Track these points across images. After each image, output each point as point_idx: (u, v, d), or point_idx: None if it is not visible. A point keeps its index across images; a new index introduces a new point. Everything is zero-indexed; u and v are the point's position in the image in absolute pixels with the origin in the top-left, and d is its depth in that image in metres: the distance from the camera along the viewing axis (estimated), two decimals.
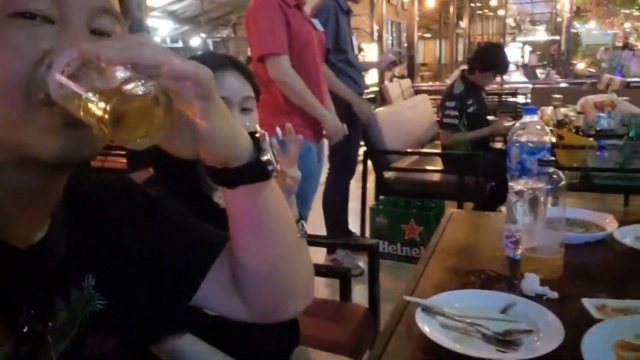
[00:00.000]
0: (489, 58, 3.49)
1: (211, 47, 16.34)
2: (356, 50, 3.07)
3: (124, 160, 3.22)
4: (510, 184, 1.25)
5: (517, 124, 1.29)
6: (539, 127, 1.26)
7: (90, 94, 0.44)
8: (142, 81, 0.45)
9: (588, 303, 0.99)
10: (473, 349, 0.87)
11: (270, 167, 0.61)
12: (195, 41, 15.86)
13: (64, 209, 0.63)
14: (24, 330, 0.57)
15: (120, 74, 0.45)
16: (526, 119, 1.26)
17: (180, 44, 14.21)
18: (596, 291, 1.07)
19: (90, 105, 0.44)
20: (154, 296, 0.72)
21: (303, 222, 1.08)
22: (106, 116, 0.43)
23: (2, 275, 0.55)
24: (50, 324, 0.60)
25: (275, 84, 2.17)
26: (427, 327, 0.93)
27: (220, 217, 1.16)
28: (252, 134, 0.61)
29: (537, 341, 0.89)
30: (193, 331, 1.03)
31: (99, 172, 0.74)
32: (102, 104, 0.43)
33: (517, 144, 1.26)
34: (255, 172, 0.60)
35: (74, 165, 0.57)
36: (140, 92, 0.44)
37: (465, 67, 3.81)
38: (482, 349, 0.88)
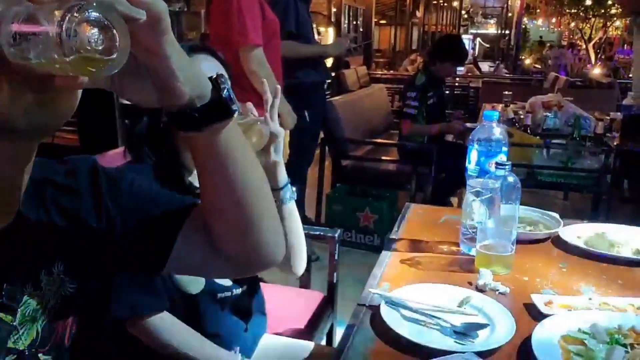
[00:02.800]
0: (446, 48, 3.59)
1: None
2: (316, 37, 3.07)
3: (75, 137, 3.13)
4: (468, 183, 1.31)
5: (478, 127, 1.36)
6: (497, 130, 1.33)
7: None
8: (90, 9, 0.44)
9: (536, 298, 1.07)
10: (432, 340, 0.93)
11: (233, 106, 0.61)
12: None
13: (31, 197, 0.63)
14: None
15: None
16: (485, 123, 1.33)
17: None
18: (543, 287, 1.15)
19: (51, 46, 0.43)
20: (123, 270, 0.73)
21: (291, 186, 1.11)
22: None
23: None
24: (19, 311, 0.61)
25: (245, 75, 2.13)
26: (391, 319, 0.98)
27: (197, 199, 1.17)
28: (210, 77, 0.61)
29: (491, 334, 0.96)
30: (171, 311, 1.05)
31: (50, 149, 0.72)
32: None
33: (476, 146, 1.33)
34: (220, 110, 0.60)
35: (40, 133, 0.55)
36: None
37: (416, 54, 3.90)
38: (441, 340, 0.94)
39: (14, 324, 0.61)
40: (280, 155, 1.14)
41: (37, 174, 0.64)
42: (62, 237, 0.66)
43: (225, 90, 0.61)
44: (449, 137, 4.01)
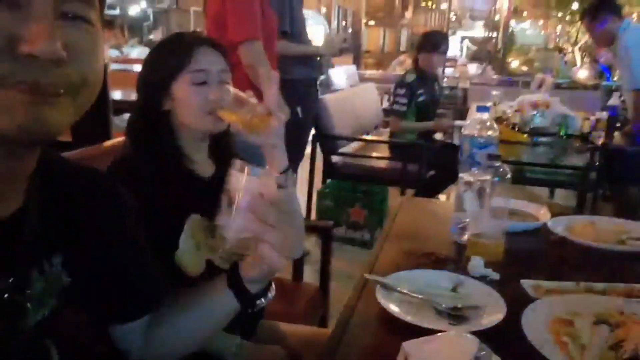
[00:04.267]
0: (430, 39, 3.65)
1: (151, 18, 15.71)
2: (309, 36, 3.09)
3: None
4: (460, 174, 1.35)
5: (470, 120, 1.40)
6: (489, 124, 1.37)
7: None
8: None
9: (526, 284, 1.11)
10: (428, 321, 0.96)
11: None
12: (135, 9, 15.18)
13: (39, 185, 0.65)
14: (5, 297, 0.59)
15: None
16: (478, 116, 1.37)
17: (117, 11, 13.57)
18: (532, 273, 1.19)
19: None
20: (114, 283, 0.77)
21: (291, 171, 1.15)
22: None
23: None
24: (28, 291, 0.62)
25: (242, 69, 2.15)
26: (387, 302, 1.02)
27: (199, 187, 1.20)
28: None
29: (483, 316, 0.99)
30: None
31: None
32: None
33: (469, 139, 1.37)
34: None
35: (39, 142, 0.58)
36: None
37: (405, 55, 3.97)
38: (436, 321, 0.97)
39: (26, 304, 0.62)
40: (282, 141, 1.16)
41: (49, 166, 0.67)
42: (63, 232, 0.69)
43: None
44: (439, 135, 4.06)
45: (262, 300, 0.80)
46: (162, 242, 1.07)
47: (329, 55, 3.07)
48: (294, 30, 2.85)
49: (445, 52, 3.85)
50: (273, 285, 0.83)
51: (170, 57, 1.17)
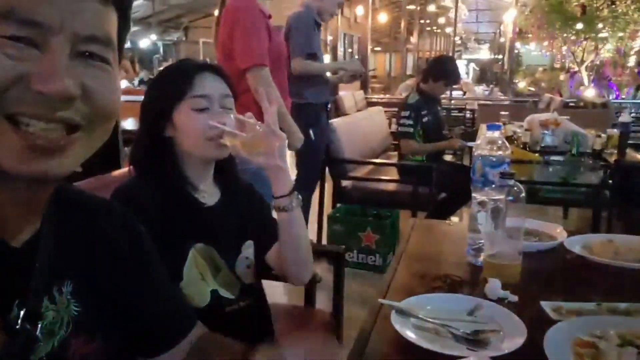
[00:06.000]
0: (440, 68, 3.64)
1: (161, 50, 16.01)
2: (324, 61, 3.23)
3: None
4: (473, 194, 1.33)
5: (482, 139, 1.38)
6: (500, 142, 1.35)
7: None
8: None
9: (545, 305, 1.08)
10: (445, 347, 0.93)
11: None
12: (145, 42, 15.50)
13: (52, 214, 0.65)
14: (17, 327, 0.58)
15: None
16: (489, 134, 1.35)
17: (128, 44, 13.88)
18: (551, 294, 1.16)
19: None
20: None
21: (296, 193, 1.16)
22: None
23: None
24: (40, 323, 0.61)
25: (250, 95, 2.17)
26: (402, 328, 0.98)
27: (203, 215, 1.19)
28: None
29: (503, 340, 0.96)
30: None
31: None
32: None
33: (481, 158, 1.35)
34: None
35: (47, 182, 0.59)
36: None
37: (412, 79, 3.99)
38: (453, 347, 0.94)
39: (37, 334, 0.61)
40: (284, 161, 1.15)
41: (64, 194, 0.67)
42: (75, 261, 0.69)
43: None
44: (448, 157, 4.04)
45: None
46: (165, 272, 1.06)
47: (353, 71, 3.17)
48: (319, 53, 3.06)
49: (455, 83, 3.84)
50: None
51: (171, 84, 1.17)
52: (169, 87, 1.17)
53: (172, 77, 1.19)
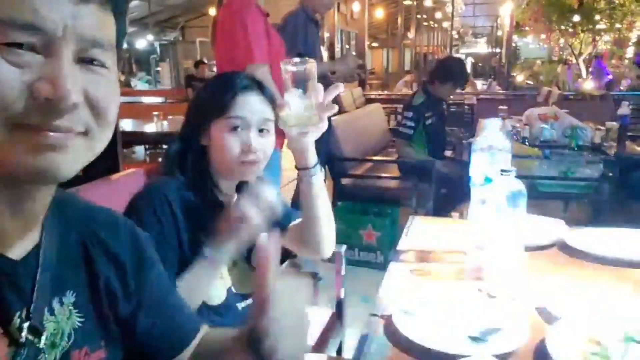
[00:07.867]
0: (448, 70, 3.59)
1: (158, 50, 16.00)
2: (323, 60, 3.14)
3: None
4: (473, 190, 1.33)
5: (481, 134, 1.37)
6: (499, 136, 1.34)
7: None
8: None
9: (547, 302, 1.07)
10: (448, 346, 0.92)
11: None
12: (141, 43, 15.49)
13: (53, 225, 0.65)
14: (21, 340, 0.58)
15: None
16: (489, 129, 1.35)
17: (125, 45, 13.83)
18: (553, 291, 1.15)
19: None
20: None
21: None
22: None
23: None
24: (43, 334, 0.61)
25: None
26: (404, 327, 0.98)
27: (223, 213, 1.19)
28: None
29: (506, 338, 0.96)
30: None
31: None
32: None
33: (480, 152, 1.34)
34: None
35: (49, 184, 0.59)
36: None
37: (410, 75, 3.95)
38: (456, 345, 0.94)
39: (40, 346, 0.61)
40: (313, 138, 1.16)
41: (64, 205, 0.67)
42: (77, 271, 0.68)
43: None
44: (448, 152, 4.03)
45: None
46: (183, 270, 1.06)
47: (343, 72, 2.99)
48: (308, 52, 2.88)
49: (463, 85, 3.76)
50: None
51: (213, 99, 1.17)
52: (211, 101, 1.17)
53: (215, 92, 1.18)
